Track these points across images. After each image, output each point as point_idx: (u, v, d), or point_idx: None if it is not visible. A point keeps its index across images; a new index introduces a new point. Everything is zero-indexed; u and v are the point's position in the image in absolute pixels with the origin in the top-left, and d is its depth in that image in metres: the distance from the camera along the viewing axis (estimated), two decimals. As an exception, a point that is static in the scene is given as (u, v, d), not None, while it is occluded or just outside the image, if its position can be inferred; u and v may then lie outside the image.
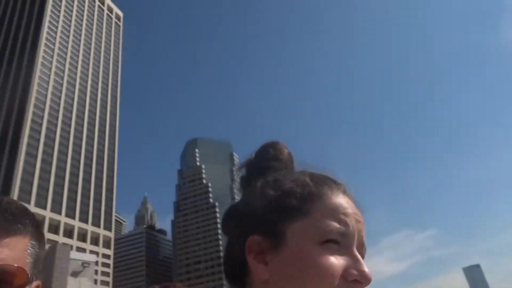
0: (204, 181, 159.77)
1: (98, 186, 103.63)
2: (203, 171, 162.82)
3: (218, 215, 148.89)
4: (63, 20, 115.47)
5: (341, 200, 0.67)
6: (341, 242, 0.63)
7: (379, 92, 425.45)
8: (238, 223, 0.73)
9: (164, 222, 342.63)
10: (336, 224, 0.63)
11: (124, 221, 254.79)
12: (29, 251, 0.67)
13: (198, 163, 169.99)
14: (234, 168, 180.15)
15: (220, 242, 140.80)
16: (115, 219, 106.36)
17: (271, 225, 0.67)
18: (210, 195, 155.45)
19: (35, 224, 0.71)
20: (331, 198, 0.67)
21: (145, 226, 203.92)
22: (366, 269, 0.61)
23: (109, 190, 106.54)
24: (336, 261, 0.61)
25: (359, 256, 0.63)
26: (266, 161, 0.80)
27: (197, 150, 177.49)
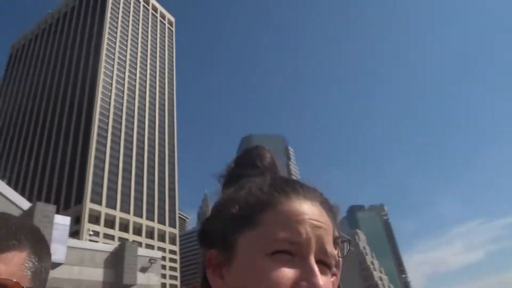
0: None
1: (161, 185, 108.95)
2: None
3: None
4: (121, 31, 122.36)
5: (297, 206, 0.62)
6: (294, 251, 0.58)
7: (460, 76, 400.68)
8: (205, 235, 0.72)
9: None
10: (285, 234, 0.59)
11: (188, 218, 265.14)
12: (26, 264, 0.69)
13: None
14: (290, 162, 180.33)
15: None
16: (179, 216, 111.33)
17: (224, 237, 0.65)
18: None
19: (34, 239, 0.73)
20: (286, 205, 0.62)
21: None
22: (318, 281, 0.56)
23: (172, 189, 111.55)
24: (286, 273, 0.57)
25: (313, 267, 0.57)
26: (241, 168, 0.77)
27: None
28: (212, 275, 0.65)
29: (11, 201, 18.05)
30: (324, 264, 0.60)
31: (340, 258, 0.97)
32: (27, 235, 0.72)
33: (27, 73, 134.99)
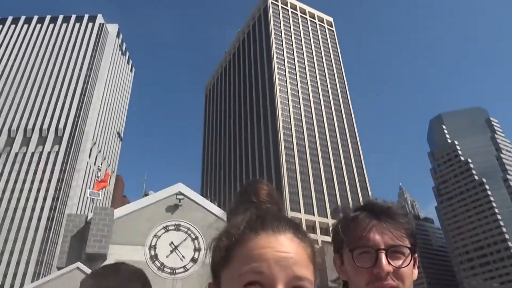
0: (462, 158, 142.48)
1: (353, 186, 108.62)
2: (458, 147, 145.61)
3: (489, 192, 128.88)
4: (286, 46, 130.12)
5: (262, 240, 0.70)
6: (261, 281, 0.66)
7: None
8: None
9: (426, 210, 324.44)
10: (248, 267, 0.67)
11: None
12: None
13: (449, 140, 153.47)
14: (495, 135, 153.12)
15: (501, 223, 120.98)
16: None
17: (213, 273, 0.77)
18: (474, 171, 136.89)
19: (145, 283, 1.13)
20: (253, 241, 0.71)
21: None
22: None
23: (364, 188, 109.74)
24: None
25: None
26: (240, 205, 0.85)
27: (444, 127, 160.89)
28: None
29: (223, 220, 20.84)
30: None
31: (404, 269, 1.00)
32: (140, 280, 1.12)
33: (219, 106, 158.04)
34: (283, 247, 0.70)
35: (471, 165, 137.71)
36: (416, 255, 1.03)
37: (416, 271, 1.04)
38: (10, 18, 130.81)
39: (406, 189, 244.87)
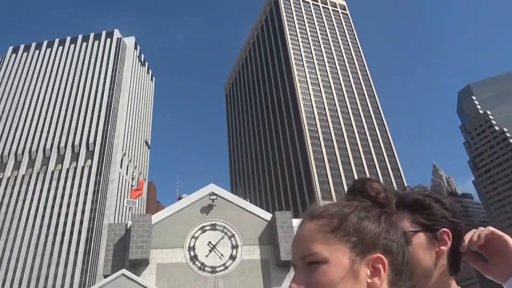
0: (497, 128, 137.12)
1: (384, 168, 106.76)
2: (491, 117, 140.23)
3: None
4: (301, 36, 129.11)
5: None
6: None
7: None
8: None
9: (464, 185, 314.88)
10: None
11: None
12: None
13: (480, 111, 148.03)
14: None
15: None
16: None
17: None
18: (511, 140, 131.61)
19: None
20: None
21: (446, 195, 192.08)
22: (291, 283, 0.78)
23: (395, 169, 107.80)
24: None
25: (296, 272, 0.80)
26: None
27: (474, 97, 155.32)
28: None
29: (257, 215, 21.11)
30: (309, 263, 0.79)
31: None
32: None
33: (240, 104, 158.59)
34: (298, 232, 0.87)
35: (508, 134, 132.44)
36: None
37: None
38: (33, 44, 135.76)
39: (441, 166, 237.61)
